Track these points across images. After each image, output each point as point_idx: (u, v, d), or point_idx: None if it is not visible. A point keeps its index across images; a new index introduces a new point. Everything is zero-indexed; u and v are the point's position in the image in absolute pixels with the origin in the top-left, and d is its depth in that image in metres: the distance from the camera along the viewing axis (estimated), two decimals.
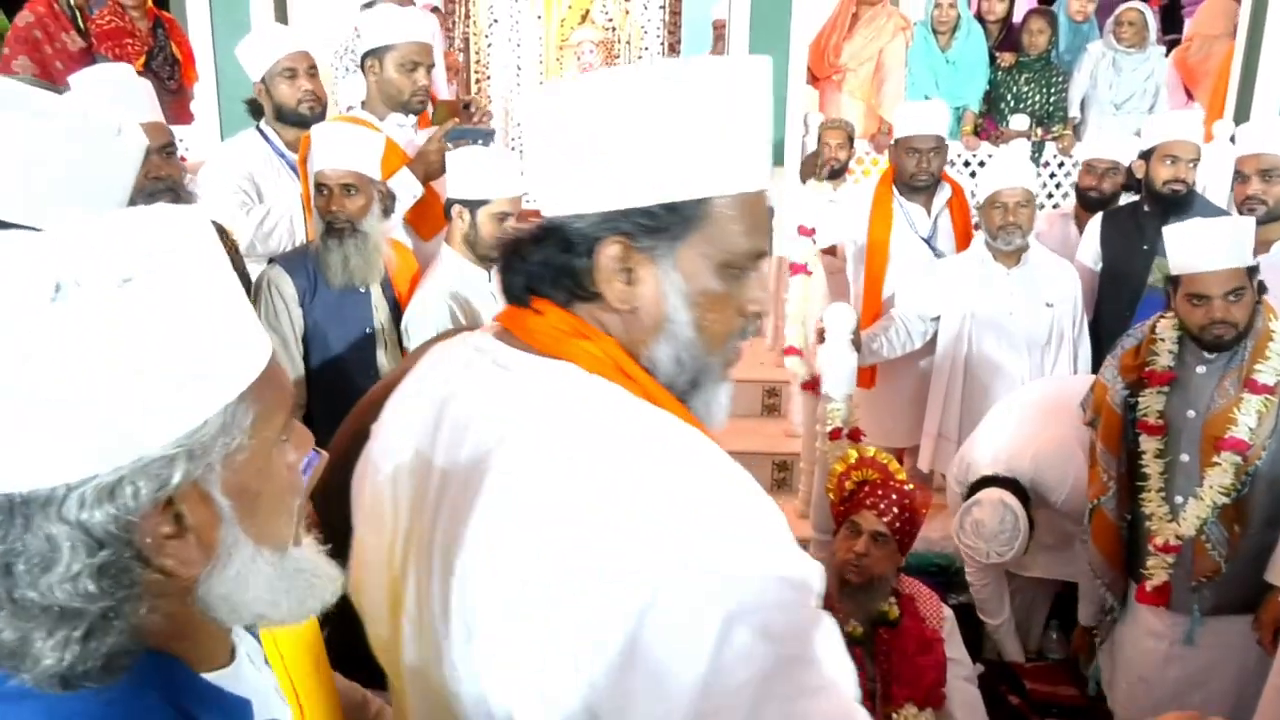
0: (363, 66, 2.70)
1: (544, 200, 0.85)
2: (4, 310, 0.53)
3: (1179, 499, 2.22)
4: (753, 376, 4.42)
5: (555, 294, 0.84)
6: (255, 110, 2.85)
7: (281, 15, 4.97)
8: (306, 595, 0.69)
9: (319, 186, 2.31)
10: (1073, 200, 3.80)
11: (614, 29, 9.60)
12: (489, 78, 8.64)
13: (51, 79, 4.79)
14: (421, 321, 2.34)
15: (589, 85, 0.80)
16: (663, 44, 7.62)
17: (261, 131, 2.81)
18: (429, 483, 0.82)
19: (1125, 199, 3.43)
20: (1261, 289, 2.19)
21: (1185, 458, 2.23)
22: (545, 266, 0.84)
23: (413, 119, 2.78)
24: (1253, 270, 2.16)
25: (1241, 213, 2.88)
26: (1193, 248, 2.15)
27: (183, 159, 2.37)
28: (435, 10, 5.68)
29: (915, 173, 3.30)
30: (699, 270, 0.82)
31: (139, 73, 4.85)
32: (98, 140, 1.02)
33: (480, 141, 2.70)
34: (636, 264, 0.81)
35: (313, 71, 2.75)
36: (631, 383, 0.81)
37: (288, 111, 2.73)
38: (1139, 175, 3.14)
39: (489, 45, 8.60)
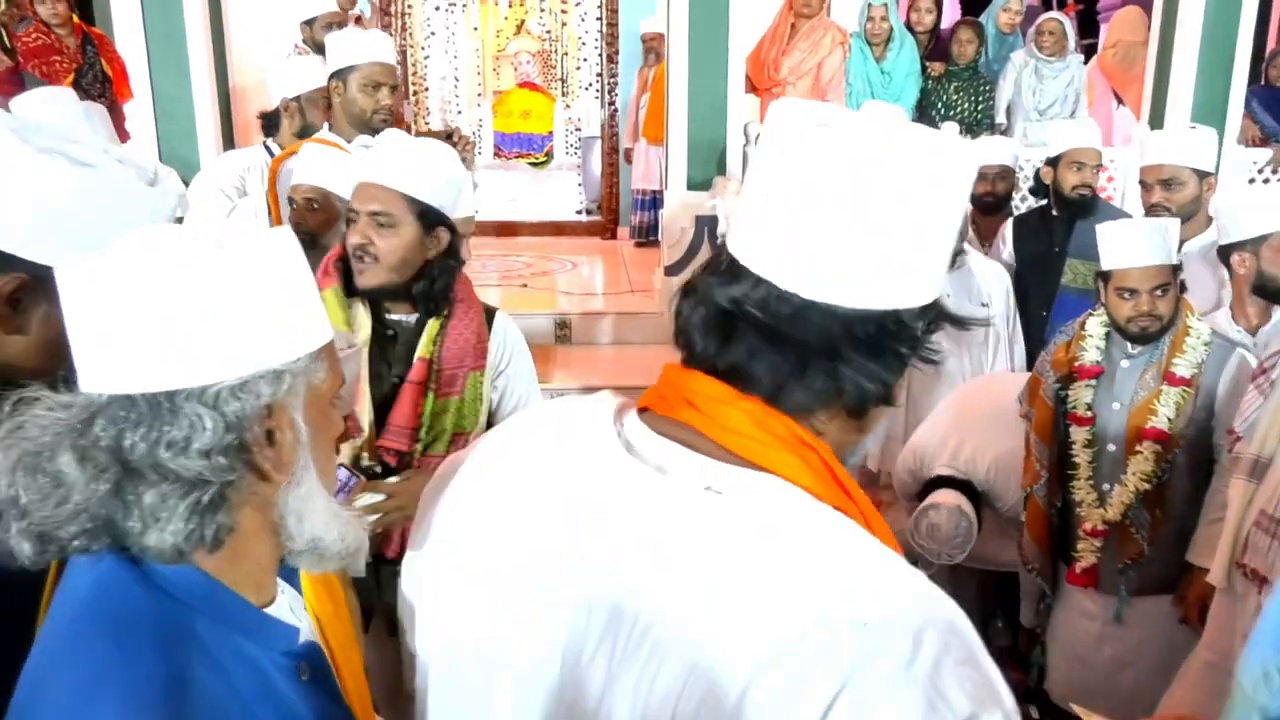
0: (328, 87, 2.74)
1: (846, 288, 0.70)
2: (185, 257, 0.75)
3: (1106, 486, 2.35)
4: None
5: (870, 397, 0.72)
6: (269, 125, 2.87)
7: (218, 30, 4.92)
8: (350, 539, 0.85)
9: (289, 201, 2.39)
10: None
11: (550, 39, 9.66)
12: (426, 89, 8.63)
13: None
14: None
15: (892, 173, 0.69)
16: (600, 54, 7.69)
17: (268, 148, 2.85)
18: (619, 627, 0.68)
19: (1025, 203, 3.62)
20: (1181, 287, 2.34)
21: (1111, 447, 2.36)
22: (874, 379, 0.71)
23: (378, 138, 2.83)
24: (1176, 269, 2.30)
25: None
26: (1123, 245, 2.28)
27: None
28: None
29: None
30: None
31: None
32: (135, 190, 1.03)
33: None
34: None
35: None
36: (850, 502, 0.72)
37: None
38: (1046, 181, 3.30)
39: (426, 58, 8.59)
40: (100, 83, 4.95)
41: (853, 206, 0.68)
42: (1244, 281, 2.49)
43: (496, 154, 9.18)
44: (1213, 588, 2.08)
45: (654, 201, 6.83)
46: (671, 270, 5.07)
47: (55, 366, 0.94)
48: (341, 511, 0.86)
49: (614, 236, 7.53)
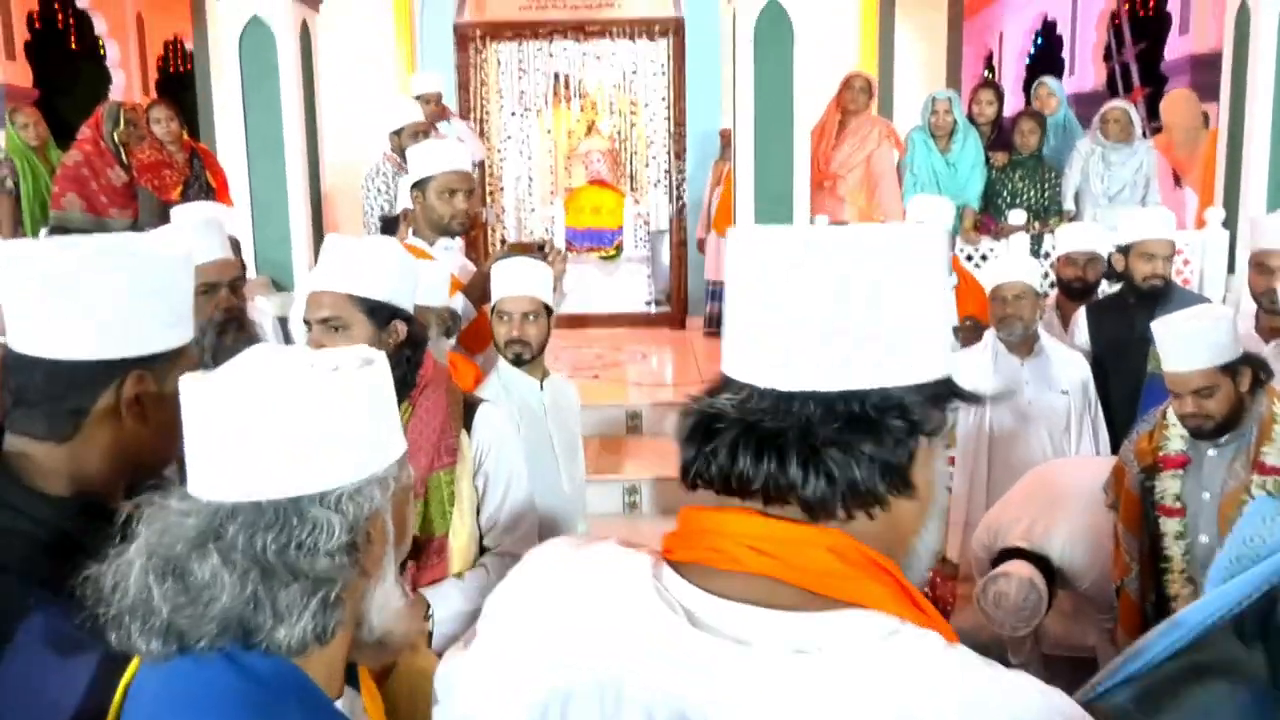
0: (411, 198, 2.93)
1: (829, 372, 0.69)
2: (305, 378, 0.85)
3: (1201, 579, 2.28)
4: None
5: (878, 492, 0.69)
6: (386, 228, 3.03)
7: (312, 141, 5.26)
8: (412, 630, 0.96)
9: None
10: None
11: (620, 139, 10.02)
12: (502, 189, 9.00)
13: (97, 212, 5.07)
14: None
15: (897, 244, 0.71)
16: (669, 153, 7.96)
17: None
18: None
19: (1104, 286, 3.58)
20: (1262, 376, 2.29)
21: (1204, 538, 2.28)
22: (875, 460, 0.68)
23: (458, 242, 2.99)
24: (1233, 365, 2.22)
25: (1259, 304, 3.00)
26: (1167, 348, 2.27)
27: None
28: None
29: None
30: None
31: (175, 202, 5.15)
32: (165, 260, 1.09)
33: None
34: (936, 430, 0.72)
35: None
36: (925, 617, 0.70)
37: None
38: (1119, 268, 3.29)
39: (502, 160, 8.98)
40: (205, 193, 5.32)
41: (819, 298, 0.69)
42: None
43: (568, 249, 9.47)
44: None
45: (722, 291, 6.95)
46: None
47: (173, 446, 1.02)
48: (406, 606, 0.95)
49: (683, 326, 7.65)
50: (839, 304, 0.68)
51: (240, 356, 0.89)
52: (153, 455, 1.09)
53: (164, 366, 1.06)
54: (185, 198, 5.20)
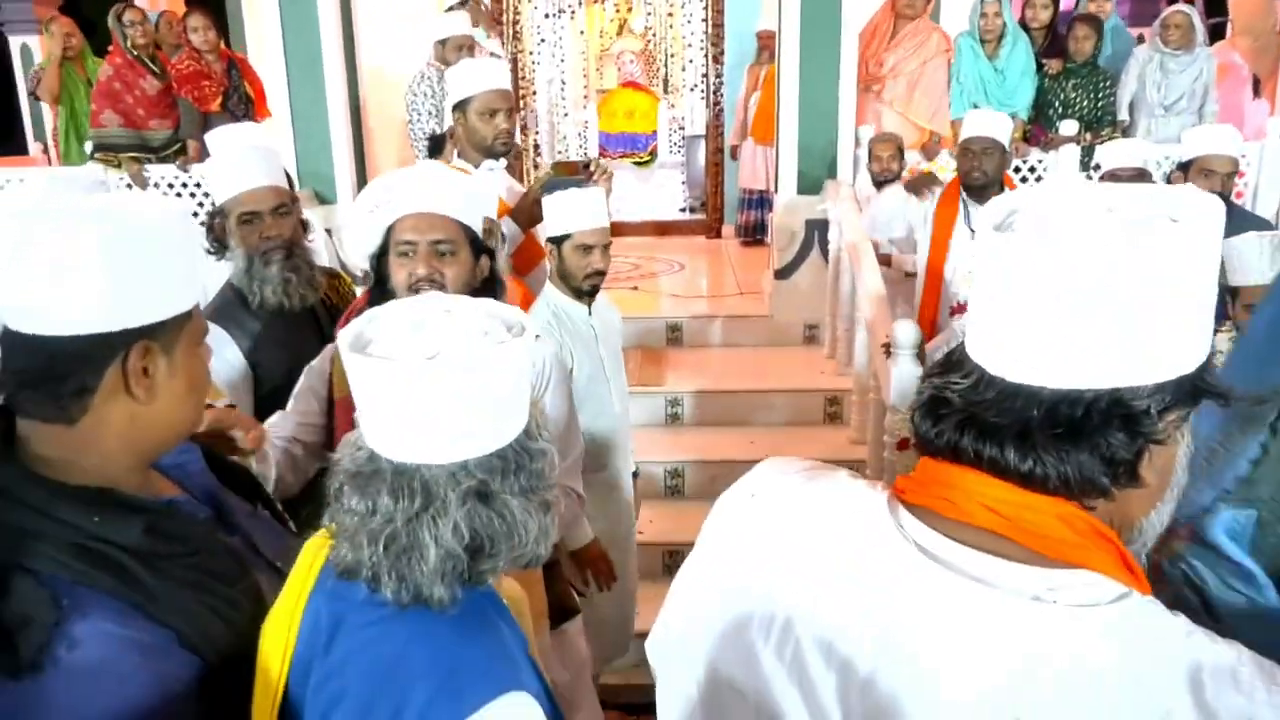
0: (453, 119, 2.90)
1: (1057, 370, 0.70)
2: (473, 347, 0.92)
3: None
4: (814, 386, 4.57)
5: (1101, 483, 0.72)
6: (435, 147, 3.00)
7: (350, 50, 5.20)
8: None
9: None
10: None
11: (654, 39, 9.77)
12: (534, 93, 8.86)
13: (135, 125, 5.10)
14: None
15: (1145, 245, 0.68)
16: (706, 55, 7.75)
17: None
18: None
19: None
20: None
21: None
22: (1099, 455, 0.71)
23: (502, 162, 2.98)
24: None
25: None
26: (1237, 263, 2.30)
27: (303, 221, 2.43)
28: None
29: (968, 171, 3.50)
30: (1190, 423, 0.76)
31: (215, 112, 5.15)
32: (159, 221, 1.00)
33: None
34: (1169, 435, 0.73)
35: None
36: (1135, 578, 0.75)
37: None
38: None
39: (535, 64, 8.81)
40: (244, 103, 5.31)
41: (1062, 295, 0.69)
42: None
43: (601, 154, 9.37)
44: None
45: (760, 201, 6.88)
46: (781, 274, 5.14)
47: (194, 416, 1.05)
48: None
49: (719, 235, 7.61)
50: (1077, 299, 0.68)
51: (391, 326, 0.95)
52: (169, 429, 1.04)
53: (170, 335, 1.00)
54: (225, 109, 5.21)
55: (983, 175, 3.48)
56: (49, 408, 0.96)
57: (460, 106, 2.85)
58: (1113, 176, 3.49)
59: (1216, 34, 6.02)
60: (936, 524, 0.77)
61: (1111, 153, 3.60)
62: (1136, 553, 0.78)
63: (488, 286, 1.83)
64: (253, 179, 2.26)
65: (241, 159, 2.32)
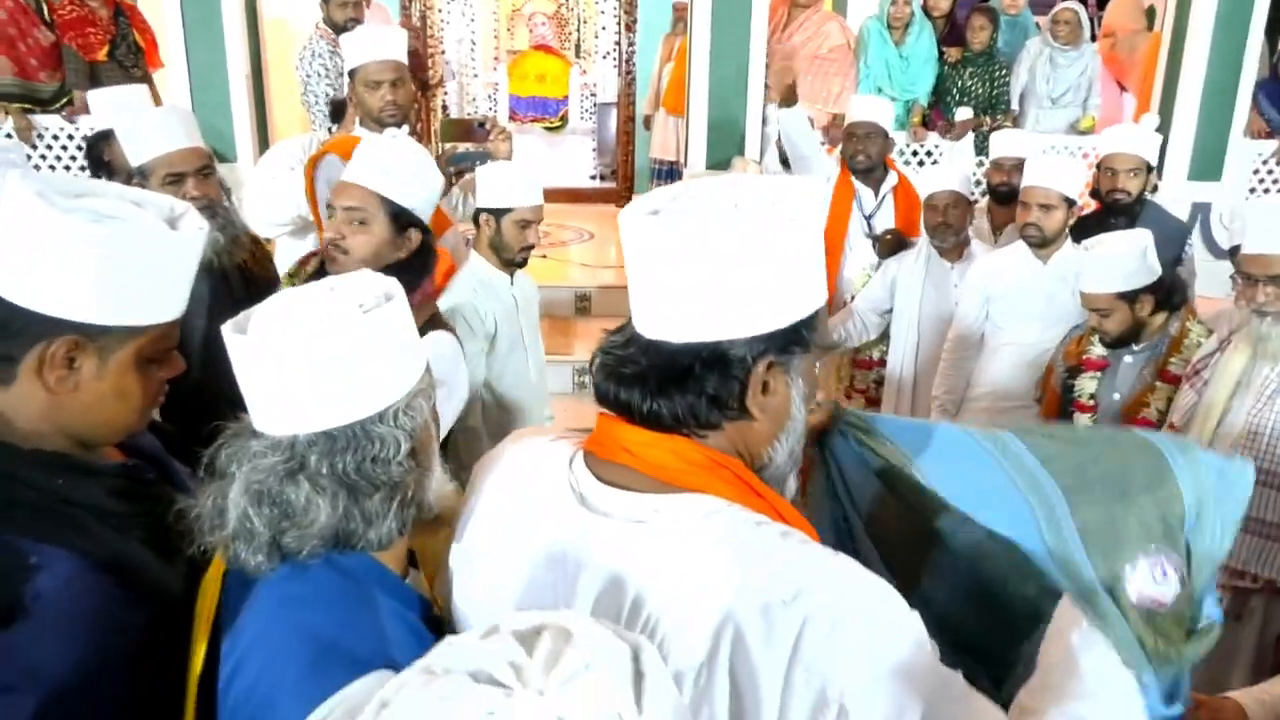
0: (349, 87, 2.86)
1: (678, 327, 0.87)
2: (343, 318, 0.94)
3: None
4: None
5: (711, 419, 0.88)
6: (337, 111, 2.92)
7: (251, 3, 5.00)
8: (455, 502, 1.08)
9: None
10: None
11: (566, 2, 9.65)
12: (443, 53, 8.67)
13: (27, 76, 4.80)
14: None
15: (739, 230, 0.84)
16: (619, 22, 7.72)
17: (332, 134, 2.97)
18: None
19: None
20: (1174, 297, 2.49)
21: None
22: (707, 394, 0.87)
23: (405, 129, 2.94)
24: (1137, 291, 2.41)
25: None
26: (1083, 268, 2.49)
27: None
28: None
29: (853, 155, 3.60)
30: (809, 370, 0.94)
31: (103, 62, 4.88)
32: (159, 236, 1.03)
33: (477, 164, 2.91)
34: (773, 377, 0.89)
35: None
36: (763, 501, 0.90)
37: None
38: (1097, 185, 3.32)
39: (445, 22, 8.61)
40: (133, 53, 5.05)
41: (663, 264, 0.87)
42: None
43: (511, 117, 9.25)
44: None
45: (671, 172, 6.95)
46: None
47: (120, 423, 1.06)
48: (452, 485, 1.09)
49: (628, 203, 7.63)
50: (680, 269, 0.86)
51: (273, 305, 0.97)
52: (89, 428, 1.06)
53: (111, 341, 1.02)
54: (113, 58, 4.95)
55: (867, 159, 3.58)
56: None
57: (352, 75, 2.81)
58: (996, 165, 3.62)
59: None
60: (596, 466, 0.94)
61: (999, 142, 3.77)
62: (774, 477, 0.94)
63: (417, 259, 1.85)
64: (176, 140, 2.24)
65: (164, 119, 2.30)
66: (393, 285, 1.01)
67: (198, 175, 2.24)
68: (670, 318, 0.88)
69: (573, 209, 7.57)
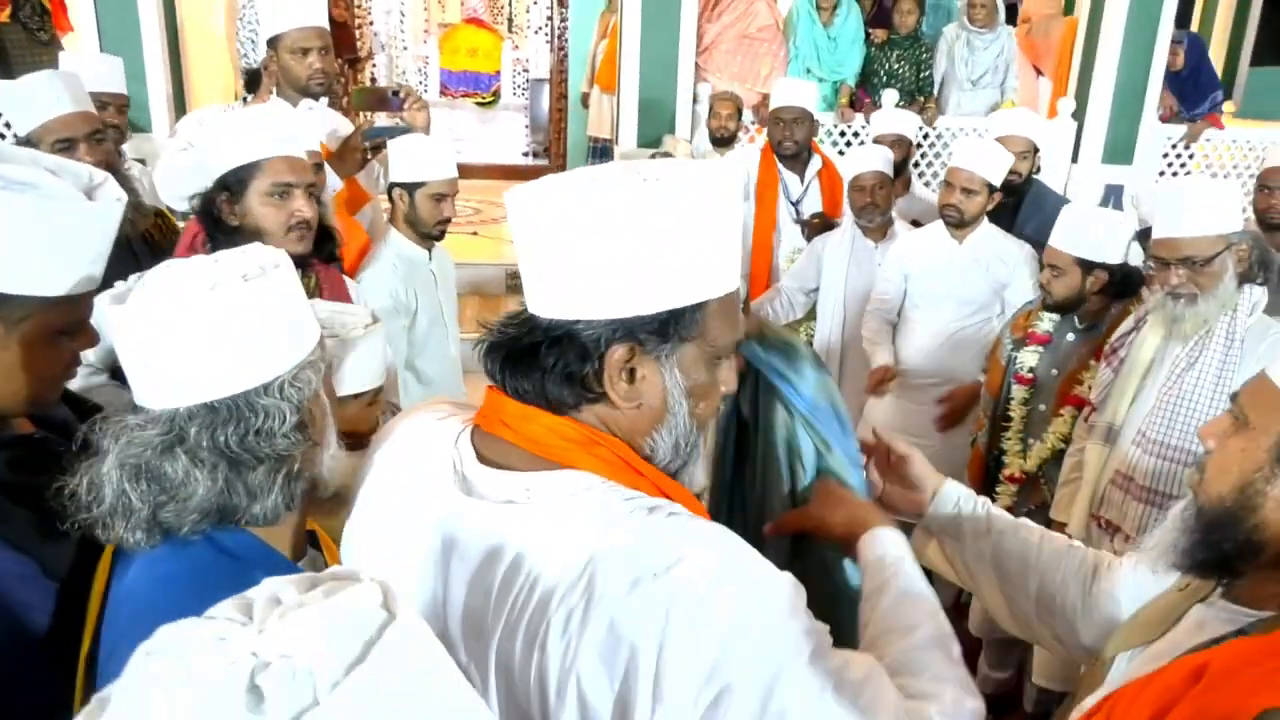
0: (267, 55, 2.75)
1: (542, 303, 0.87)
2: (224, 287, 0.90)
3: (1030, 440, 2.63)
4: None
5: (565, 398, 0.87)
6: (251, 81, 2.84)
7: None
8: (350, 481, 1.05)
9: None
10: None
11: None
12: (371, 24, 8.48)
13: None
14: (373, 289, 2.53)
15: (592, 205, 0.83)
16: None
17: (246, 104, 2.89)
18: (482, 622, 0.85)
19: None
20: (1127, 289, 2.50)
21: (1042, 407, 2.62)
22: (556, 372, 0.86)
23: (322, 102, 2.87)
24: (1096, 264, 2.43)
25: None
26: (1059, 223, 2.50)
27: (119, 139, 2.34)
28: None
29: (780, 140, 3.63)
30: (695, 365, 0.89)
31: (5, 24, 4.66)
32: (75, 205, 1.01)
33: (392, 138, 2.86)
34: (641, 364, 0.87)
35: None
36: (643, 479, 0.89)
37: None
38: None
39: None
40: (39, 15, 4.83)
41: (534, 239, 0.86)
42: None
43: (443, 92, 9.10)
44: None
45: (605, 150, 6.92)
46: None
47: (26, 394, 1.04)
48: (350, 460, 1.06)
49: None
50: (539, 245, 0.86)
51: (153, 275, 0.94)
52: None
53: (14, 311, 1.01)
54: (16, 19, 4.73)
55: (794, 144, 3.61)
56: None
57: (273, 43, 2.71)
58: (878, 140, 3.68)
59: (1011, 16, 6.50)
60: (480, 441, 0.93)
61: (877, 120, 3.89)
62: (670, 470, 0.93)
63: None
64: (61, 104, 2.19)
65: (48, 83, 2.23)
66: (280, 256, 0.98)
67: (88, 140, 2.21)
68: (536, 294, 0.88)
69: (505, 185, 7.43)
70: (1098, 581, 1.24)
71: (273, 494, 0.95)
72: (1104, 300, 2.53)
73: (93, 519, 0.92)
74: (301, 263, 1.88)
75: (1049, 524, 2.50)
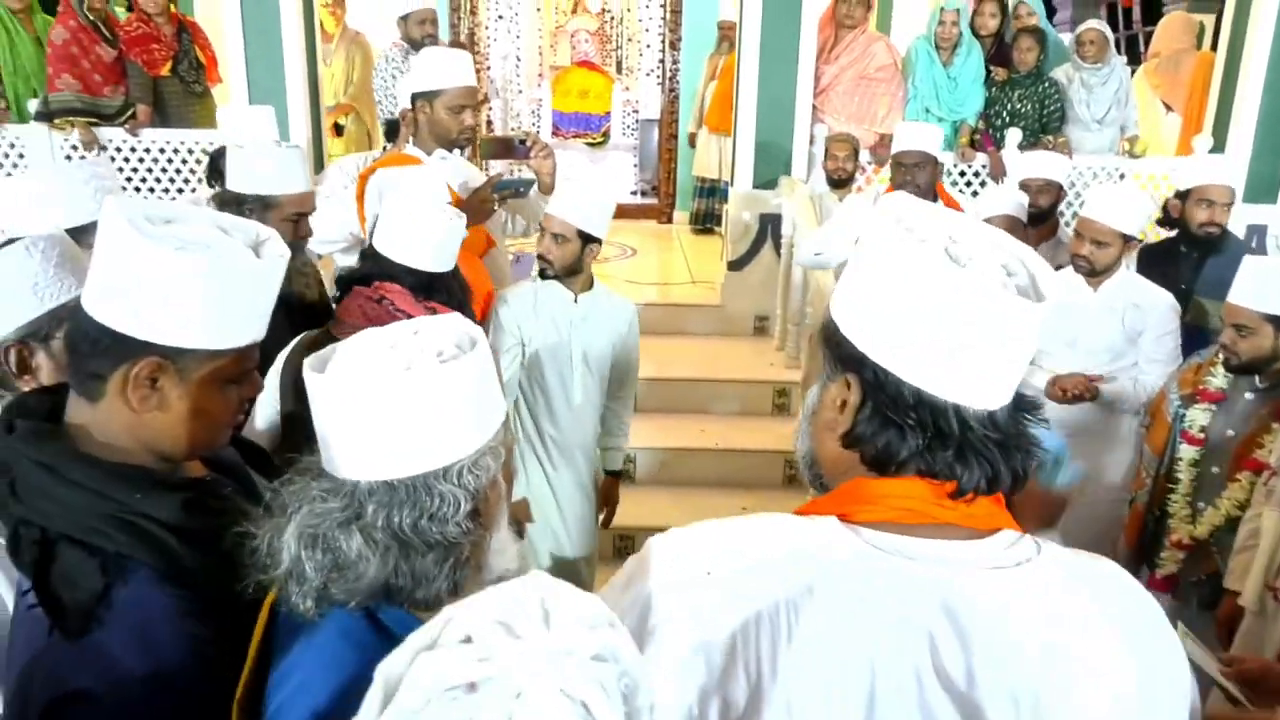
0: (413, 105, 2.88)
1: None
2: (415, 371, 0.92)
3: (1200, 504, 2.47)
4: (763, 377, 4.71)
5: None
6: (391, 130, 3.04)
7: (309, 17, 5.12)
8: (521, 564, 1.05)
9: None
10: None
11: (612, 22, 9.74)
12: (489, 68, 8.79)
13: (91, 92, 4.96)
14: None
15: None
16: (664, 41, 7.79)
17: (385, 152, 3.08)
18: None
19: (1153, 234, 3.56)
20: None
21: (1215, 470, 2.45)
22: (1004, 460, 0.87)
23: (456, 152, 3.01)
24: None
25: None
26: (1239, 277, 2.35)
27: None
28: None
29: (901, 185, 3.60)
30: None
31: (165, 77, 5.02)
32: (244, 263, 1.05)
33: (521, 190, 2.95)
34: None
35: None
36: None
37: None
38: (1175, 215, 3.29)
39: (492, 40, 8.73)
40: (195, 69, 5.19)
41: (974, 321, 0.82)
42: None
43: (554, 133, 9.35)
44: (1243, 610, 2.21)
45: (713, 190, 6.98)
46: (734, 265, 5.25)
47: (200, 440, 1.09)
48: (516, 546, 1.06)
49: (670, 221, 7.69)
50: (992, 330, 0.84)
51: (353, 345, 0.98)
52: (170, 445, 1.09)
53: (190, 363, 1.05)
54: (175, 74, 5.10)
55: (916, 188, 3.54)
56: (76, 379, 1.07)
57: (427, 96, 2.85)
58: (1023, 186, 3.58)
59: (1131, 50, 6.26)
60: (894, 529, 0.84)
61: (1026, 164, 3.74)
62: None
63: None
64: (297, 182, 2.40)
65: (287, 161, 2.42)
66: (477, 333, 0.99)
67: (306, 216, 2.44)
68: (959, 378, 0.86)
69: (615, 224, 7.56)
70: None
71: (437, 582, 0.95)
72: None
73: (269, 580, 0.96)
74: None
75: (1220, 593, 2.39)
